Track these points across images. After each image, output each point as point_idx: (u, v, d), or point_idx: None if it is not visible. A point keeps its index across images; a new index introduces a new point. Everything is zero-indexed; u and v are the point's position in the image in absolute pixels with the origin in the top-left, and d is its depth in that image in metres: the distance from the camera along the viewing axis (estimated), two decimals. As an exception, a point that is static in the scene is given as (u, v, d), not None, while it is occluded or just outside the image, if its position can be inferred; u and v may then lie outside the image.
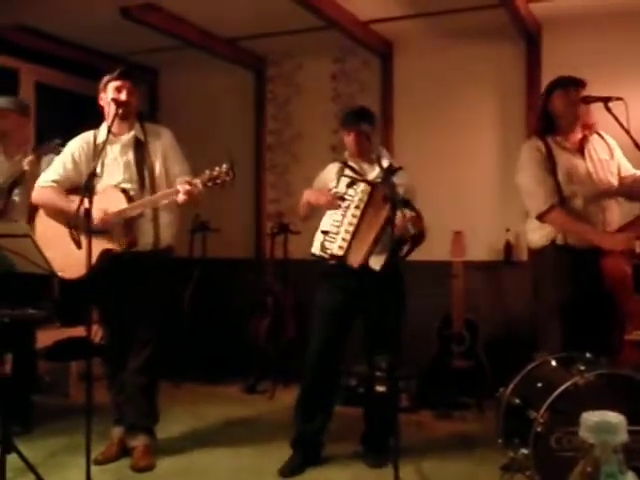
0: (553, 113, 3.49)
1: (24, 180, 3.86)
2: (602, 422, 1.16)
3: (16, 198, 3.92)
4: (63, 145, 3.70)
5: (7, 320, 3.02)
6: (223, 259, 5.59)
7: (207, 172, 3.29)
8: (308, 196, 3.53)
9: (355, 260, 3.35)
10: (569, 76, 3.48)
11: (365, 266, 3.34)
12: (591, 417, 1.17)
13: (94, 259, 3.20)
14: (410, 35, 5.11)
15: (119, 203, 3.40)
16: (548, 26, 4.82)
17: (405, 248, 3.32)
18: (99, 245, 3.34)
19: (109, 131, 3.35)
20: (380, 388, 3.53)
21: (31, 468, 2.97)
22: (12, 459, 2.95)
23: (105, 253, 3.37)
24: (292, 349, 5.08)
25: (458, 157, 5.11)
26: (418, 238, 3.31)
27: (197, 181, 3.28)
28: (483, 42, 5.01)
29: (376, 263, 3.34)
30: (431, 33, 5.04)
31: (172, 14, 4.71)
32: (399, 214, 3.12)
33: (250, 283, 5.54)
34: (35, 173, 3.79)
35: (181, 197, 3.29)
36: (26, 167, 3.78)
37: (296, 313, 5.25)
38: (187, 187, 3.25)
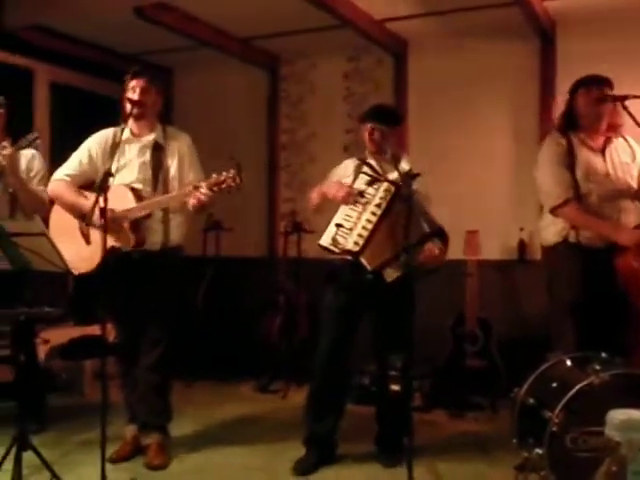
0: (576, 111, 3.48)
1: (2, 175, 3.74)
2: (628, 420, 1.15)
3: None
4: (39, 138, 3.66)
5: (23, 318, 3.03)
6: (236, 258, 5.61)
7: (214, 176, 3.28)
8: (324, 188, 3.48)
9: (370, 261, 3.30)
10: (594, 75, 3.47)
11: (377, 272, 3.30)
12: (617, 415, 1.16)
13: (100, 255, 3.22)
14: (424, 33, 5.10)
15: (127, 202, 3.41)
16: (563, 24, 4.79)
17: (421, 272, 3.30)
18: (108, 242, 3.34)
19: (122, 130, 3.36)
20: (394, 387, 3.52)
21: (47, 465, 2.99)
22: (28, 456, 2.97)
23: (111, 250, 3.37)
24: (305, 348, 5.07)
25: (472, 156, 5.09)
26: (439, 267, 3.32)
27: (202, 184, 3.27)
28: (497, 40, 4.98)
29: (389, 275, 3.28)
30: (445, 31, 5.02)
31: (186, 13, 4.73)
32: (429, 247, 3.14)
33: (263, 282, 5.55)
34: (14, 168, 3.72)
35: (192, 202, 3.31)
36: (2, 161, 3.64)
37: (309, 312, 5.25)
38: (196, 194, 3.26)
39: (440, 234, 3.29)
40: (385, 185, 3.34)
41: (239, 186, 3.24)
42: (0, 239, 2.86)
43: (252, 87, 5.86)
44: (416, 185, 3.30)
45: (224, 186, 3.24)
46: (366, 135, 3.51)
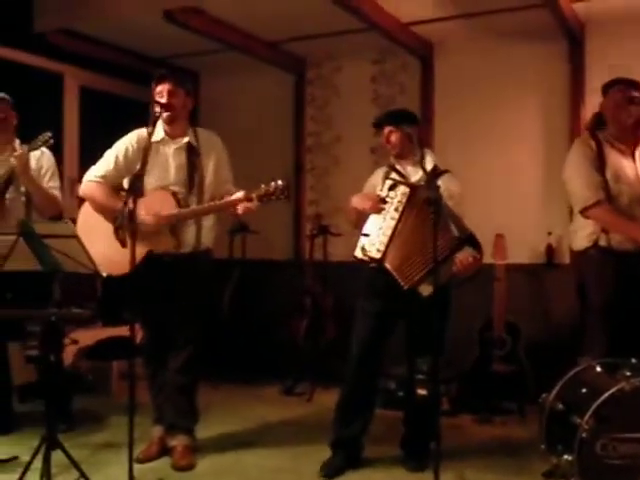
0: (606, 113, 3.45)
1: (15, 177, 3.76)
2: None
3: (10, 196, 3.81)
4: (53, 138, 3.67)
5: (54, 319, 3.07)
6: (262, 260, 5.62)
7: (263, 187, 3.33)
8: (354, 203, 3.50)
9: (403, 275, 3.26)
10: (624, 77, 3.44)
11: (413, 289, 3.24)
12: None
13: (138, 259, 3.25)
14: (451, 36, 5.08)
15: (170, 206, 3.44)
16: (592, 26, 4.75)
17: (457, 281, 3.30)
18: (144, 246, 3.39)
19: (153, 132, 3.37)
20: (421, 391, 3.50)
21: (75, 465, 3.02)
22: (57, 455, 2.99)
23: (149, 254, 3.42)
24: (331, 351, 5.08)
25: (499, 159, 5.06)
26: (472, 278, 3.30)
27: (253, 196, 3.33)
28: (525, 43, 4.96)
29: (425, 290, 3.24)
30: (472, 34, 5.00)
31: (214, 17, 4.77)
32: (461, 256, 3.13)
33: (289, 285, 5.55)
34: (26, 168, 3.72)
35: (240, 211, 3.39)
36: (14, 162, 3.67)
37: (335, 315, 5.25)
38: (247, 205, 3.34)
39: (471, 241, 3.26)
40: (402, 188, 3.35)
41: (285, 199, 3.34)
42: (31, 240, 2.90)
43: (278, 90, 5.88)
44: (445, 183, 3.28)
45: (273, 197, 3.30)
46: (384, 140, 3.52)
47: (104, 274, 3.31)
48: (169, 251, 3.47)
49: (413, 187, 3.34)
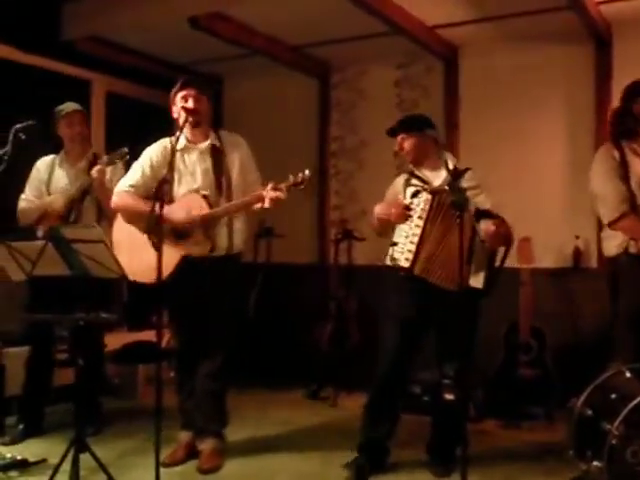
0: (633, 119, 3.41)
1: (92, 189, 3.96)
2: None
3: (85, 206, 4.02)
4: (129, 153, 3.78)
5: (82, 323, 3.10)
6: (287, 264, 5.63)
7: (291, 178, 3.33)
8: (378, 212, 3.49)
9: (441, 278, 3.26)
10: None
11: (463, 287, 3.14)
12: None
13: (174, 264, 3.32)
14: (476, 39, 5.06)
15: (201, 208, 3.47)
16: (619, 28, 4.70)
17: (498, 258, 3.29)
18: (179, 250, 3.42)
19: (177, 139, 3.40)
20: (448, 396, 3.48)
21: (103, 468, 3.05)
22: (85, 458, 3.02)
23: (184, 258, 3.44)
24: (355, 355, 5.07)
25: (525, 162, 5.02)
26: (509, 243, 3.28)
27: (282, 186, 3.33)
28: (551, 45, 4.92)
29: (476, 282, 3.24)
30: (497, 37, 4.97)
31: (239, 22, 4.79)
32: (484, 226, 3.10)
33: (313, 289, 5.56)
34: (103, 181, 3.90)
35: (267, 203, 3.35)
36: (95, 175, 3.86)
37: (359, 319, 5.24)
38: (273, 194, 3.32)
39: (487, 215, 3.25)
40: (424, 195, 3.34)
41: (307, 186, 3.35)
42: (60, 245, 2.94)
43: (302, 95, 5.90)
44: (465, 182, 3.27)
45: (301, 187, 3.31)
46: (398, 148, 3.53)
47: (142, 280, 3.34)
48: (203, 254, 3.47)
49: (434, 193, 3.32)
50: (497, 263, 3.35)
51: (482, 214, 3.24)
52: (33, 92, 4.77)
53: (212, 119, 3.74)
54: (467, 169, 3.43)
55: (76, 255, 2.93)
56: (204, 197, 3.50)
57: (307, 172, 3.31)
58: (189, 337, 3.68)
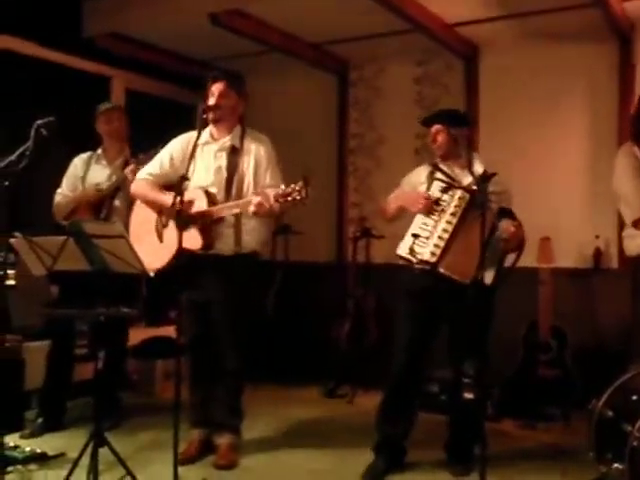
0: None
1: (124, 186, 4.00)
2: None
3: (117, 203, 4.08)
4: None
5: (102, 318, 3.12)
6: (305, 262, 5.63)
7: (282, 187, 3.18)
8: (401, 200, 3.46)
9: (462, 274, 3.24)
10: None
11: (476, 281, 3.16)
12: None
13: (170, 255, 3.34)
14: (497, 37, 5.02)
15: (200, 205, 3.45)
16: (642, 25, 4.65)
17: (511, 258, 3.30)
18: (177, 243, 3.40)
19: (198, 133, 3.39)
20: (468, 395, 3.46)
21: (121, 462, 3.05)
22: (103, 452, 3.02)
23: (180, 251, 3.41)
24: (373, 353, 5.06)
25: (546, 161, 4.98)
26: (521, 248, 3.29)
27: (270, 193, 3.21)
28: (573, 43, 4.87)
29: (487, 277, 3.21)
30: (518, 34, 4.93)
31: (259, 19, 4.79)
32: (505, 225, 3.11)
33: (332, 287, 5.56)
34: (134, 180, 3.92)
35: (251, 209, 3.27)
36: (129, 174, 3.93)
37: (377, 317, 5.23)
38: (258, 199, 3.23)
39: (509, 214, 3.28)
40: (459, 193, 3.30)
41: (304, 201, 3.11)
42: (80, 240, 2.95)
43: (321, 92, 5.89)
44: (492, 186, 3.23)
45: (290, 199, 3.12)
46: (430, 139, 3.49)
47: (151, 274, 3.35)
48: (204, 251, 3.45)
49: (473, 192, 3.27)
50: (508, 264, 3.35)
51: (504, 213, 3.21)
52: (53, 89, 4.79)
53: (240, 115, 3.68)
54: (494, 174, 3.40)
55: (96, 250, 2.94)
56: (207, 194, 3.47)
57: (300, 184, 3.11)
58: (195, 333, 3.65)
